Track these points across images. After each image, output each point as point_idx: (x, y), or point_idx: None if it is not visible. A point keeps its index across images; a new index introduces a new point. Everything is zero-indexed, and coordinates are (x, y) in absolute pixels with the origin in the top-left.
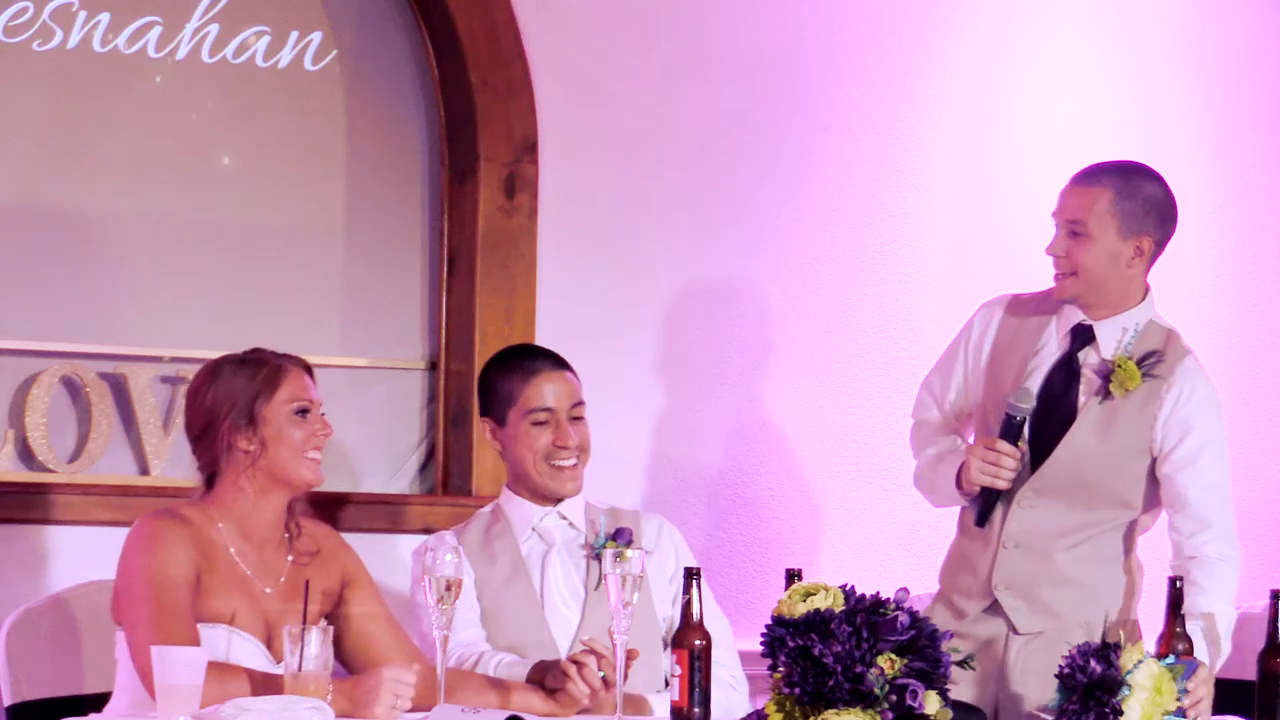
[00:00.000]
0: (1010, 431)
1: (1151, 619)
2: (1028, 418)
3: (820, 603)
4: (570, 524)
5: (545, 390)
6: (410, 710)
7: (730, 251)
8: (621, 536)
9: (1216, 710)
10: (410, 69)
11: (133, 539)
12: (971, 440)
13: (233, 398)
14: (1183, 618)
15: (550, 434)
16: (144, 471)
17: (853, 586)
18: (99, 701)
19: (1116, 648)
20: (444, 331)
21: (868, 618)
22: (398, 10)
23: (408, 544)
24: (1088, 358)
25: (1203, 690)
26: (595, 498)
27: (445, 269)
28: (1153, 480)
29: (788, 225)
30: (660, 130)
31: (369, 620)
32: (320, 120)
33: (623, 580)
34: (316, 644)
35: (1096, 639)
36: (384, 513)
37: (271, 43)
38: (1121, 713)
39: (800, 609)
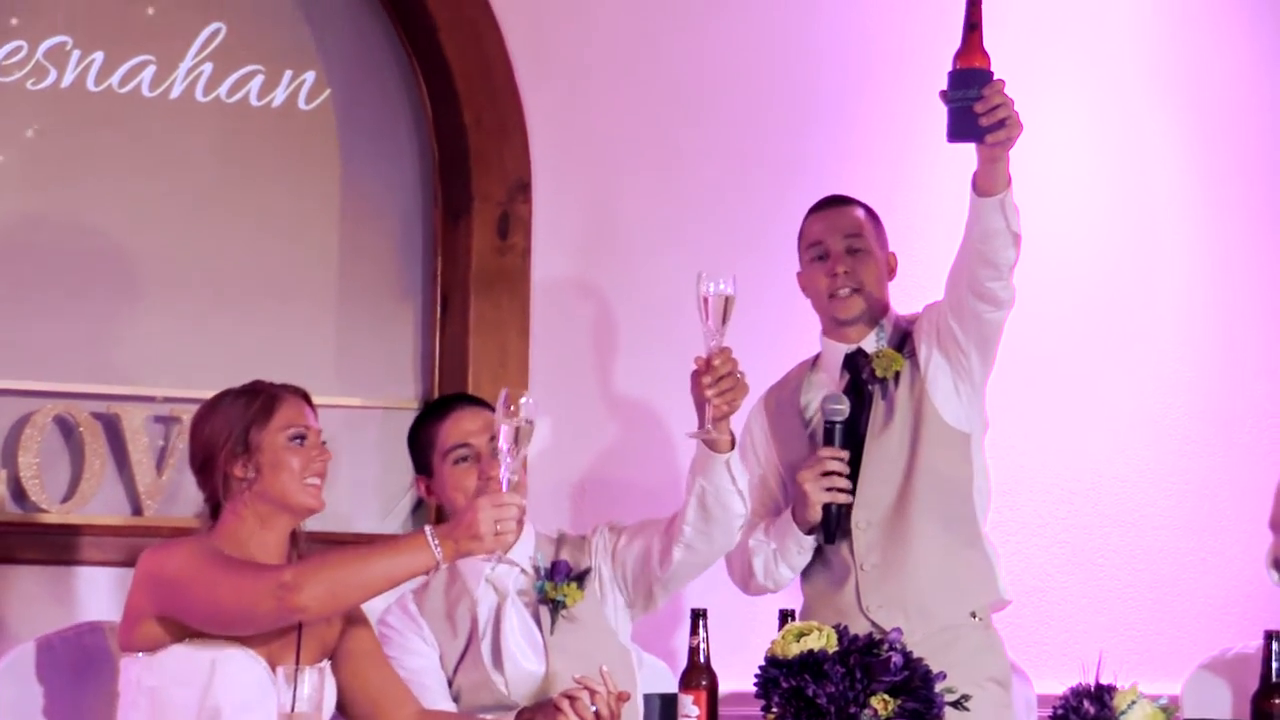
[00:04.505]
0: (830, 439)
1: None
2: (844, 423)
3: (814, 643)
4: (521, 570)
5: (462, 427)
6: None
7: None
8: (558, 572)
9: None
10: (404, 108)
11: (152, 559)
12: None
13: (229, 427)
14: None
15: (475, 472)
16: (137, 511)
17: (846, 627)
18: None
19: (1110, 689)
20: (437, 371)
21: (861, 658)
22: (391, 50)
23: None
24: (866, 374)
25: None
26: (543, 526)
27: (439, 309)
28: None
29: (788, 264)
30: (654, 171)
31: (365, 658)
32: (314, 159)
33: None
34: (310, 685)
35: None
36: None
37: (265, 82)
38: None
39: (794, 649)
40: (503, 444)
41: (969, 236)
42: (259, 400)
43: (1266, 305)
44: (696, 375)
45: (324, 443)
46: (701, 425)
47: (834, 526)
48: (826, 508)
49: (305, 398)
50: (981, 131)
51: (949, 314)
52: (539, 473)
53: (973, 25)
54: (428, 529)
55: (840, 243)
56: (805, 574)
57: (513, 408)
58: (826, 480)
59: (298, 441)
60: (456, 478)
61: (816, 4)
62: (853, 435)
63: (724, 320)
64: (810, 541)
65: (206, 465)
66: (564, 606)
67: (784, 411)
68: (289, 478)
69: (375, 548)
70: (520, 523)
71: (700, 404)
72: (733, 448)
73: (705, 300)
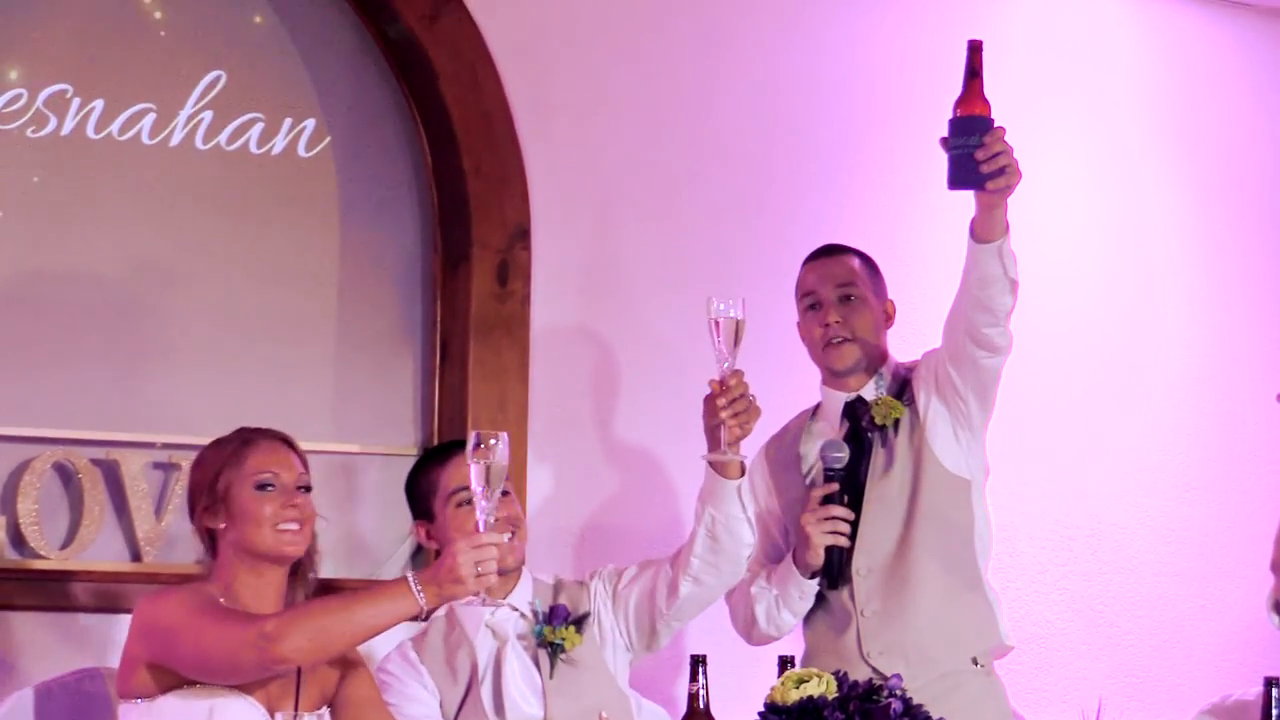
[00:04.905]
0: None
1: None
2: (844, 470)
3: (813, 690)
4: (521, 615)
5: (464, 470)
6: None
7: None
8: (557, 616)
9: None
10: (403, 155)
11: (147, 608)
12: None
13: (205, 476)
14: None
15: None
16: (136, 558)
17: (845, 673)
18: None
19: None
20: (436, 418)
21: (860, 705)
22: (391, 97)
23: (400, 631)
24: (865, 421)
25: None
26: (541, 573)
27: (438, 355)
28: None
29: (786, 313)
30: (654, 217)
31: (365, 705)
32: (313, 207)
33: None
34: None
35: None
36: None
37: (265, 129)
38: None
39: (793, 696)
40: (475, 486)
41: (966, 283)
42: (230, 447)
43: (1266, 350)
44: (709, 399)
45: (301, 488)
46: (713, 450)
47: (836, 571)
48: (829, 551)
49: (287, 442)
50: (982, 179)
51: (947, 360)
52: (538, 520)
53: (974, 73)
54: (409, 575)
55: (832, 292)
56: (807, 620)
57: (482, 447)
58: (829, 524)
59: (263, 489)
60: (460, 520)
61: (818, 48)
62: (853, 483)
63: (735, 343)
64: (812, 586)
65: (193, 514)
66: (563, 650)
67: (783, 461)
68: (256, 526)
69: (358, 596)
70: (518, 572)
71: (711, 430)
72: (742, 474)
73: (716, 323)
